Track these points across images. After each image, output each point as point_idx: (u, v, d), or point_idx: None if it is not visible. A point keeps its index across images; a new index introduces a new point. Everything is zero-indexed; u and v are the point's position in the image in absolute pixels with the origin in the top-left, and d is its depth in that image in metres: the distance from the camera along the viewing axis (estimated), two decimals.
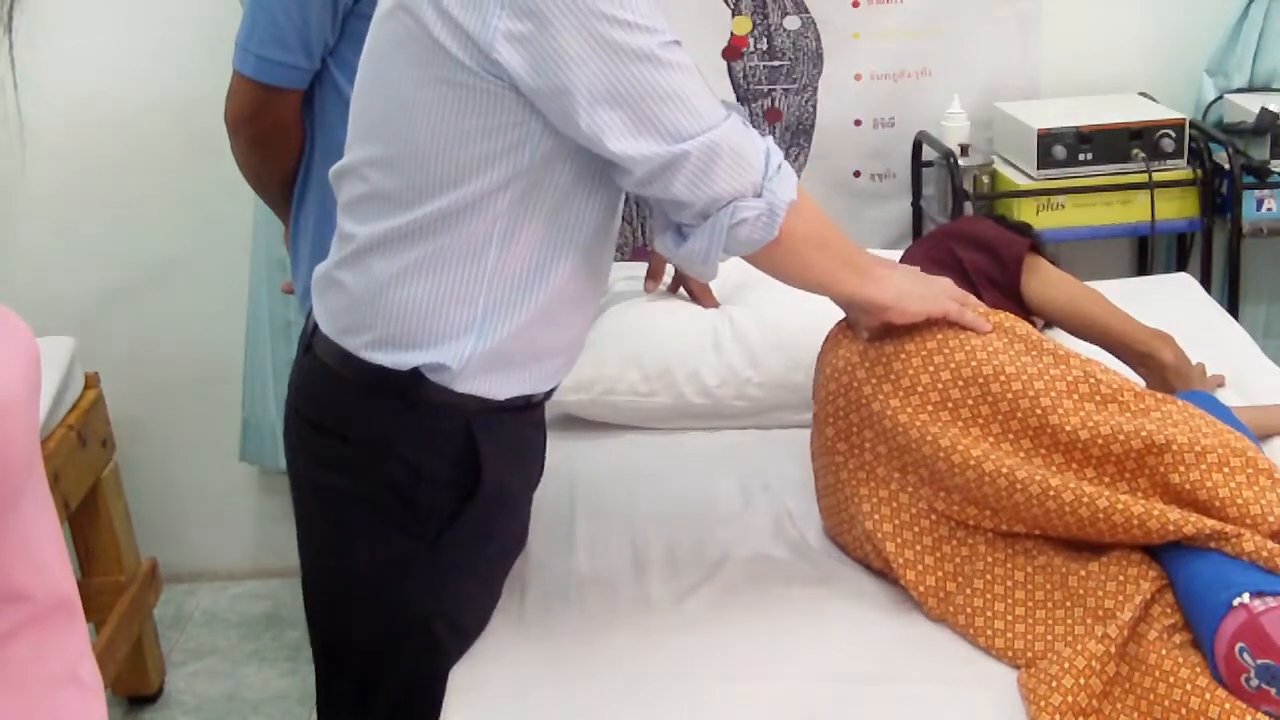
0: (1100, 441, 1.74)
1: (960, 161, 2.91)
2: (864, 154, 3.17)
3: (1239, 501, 1.68)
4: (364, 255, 1.67)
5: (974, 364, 1.83)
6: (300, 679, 3.00)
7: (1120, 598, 1.68)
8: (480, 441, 1.71)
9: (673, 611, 1.87)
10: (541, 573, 1.96)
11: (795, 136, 3.15)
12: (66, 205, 3.16)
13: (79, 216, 3.16)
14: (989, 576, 1.78)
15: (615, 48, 1.52)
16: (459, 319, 1.65)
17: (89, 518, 2.79)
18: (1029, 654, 1.70)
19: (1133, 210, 2.88)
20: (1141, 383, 2.08)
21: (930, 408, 1.83)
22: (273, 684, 3.03)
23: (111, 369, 2.93)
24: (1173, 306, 2.53)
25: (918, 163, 3.12)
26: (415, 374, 1.67)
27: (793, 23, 3.08)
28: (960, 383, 1.83)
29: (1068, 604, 1.72)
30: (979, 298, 1.99)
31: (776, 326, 2.38)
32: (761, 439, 2.36)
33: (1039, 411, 1.78)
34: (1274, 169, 2.87)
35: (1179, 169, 2.88)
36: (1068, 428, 1.76)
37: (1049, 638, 1.71)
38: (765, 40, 3.09)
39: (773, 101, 3.12)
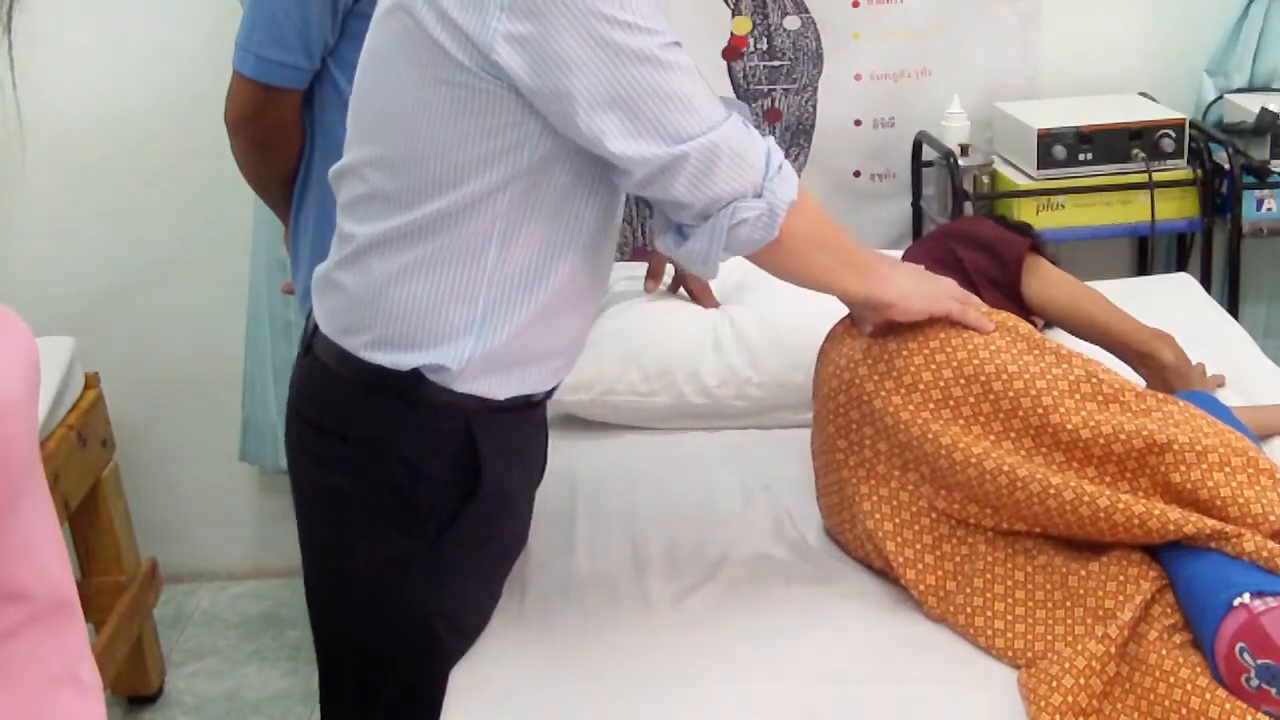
0: (1101, 441, 1.74)
1: (960, 161, 2.91)
2: (864, 154, 3.17)
3: (1240, 501, 1.68)
4: (363, 255, 1.67)
5: (976, 362, 1.83)
6: (300, 679, 3.00)
7: (1120, 598, 1.68)
8: (480, 441, 1.71)
9: (673, 611, 1.87)
10: (541, 572, 1.96)
11: (795, 136, 3.15)
12: (66, 205, 3.16)
13: (79, 216, 3.16)
14: (989, 576, 1.78)
15: (616, 49, 1.52)
16: (458, 319, 1.65)
17: (89, 518, 2.79)
18: (1029, 654, 1.70)
19: (1133, 210, 2.89)
20: (1142, 383, 2.08)
21: (931, 405, 1.83)
22: (273, 684, 3.03)
23: (111, 369, 2.93)
24: (1173, 306, 2.53)
25: (918, 163, 3.12)
26: (415, 374, 1.67)
27: (793, 23, 3.08)
28: (962, 381, 1.83)
29: (1068, 604, 1.72)
30: (979, 298, 1.99)
31: (776, 326, 2.38)
32: (761, 439, 2.36)
33: (1040, 410, 1.78)
34: (1274, 169, 2.87)
35: (1179, 169, 2.88)
36: (1069, 427, 1.76)
37: (1049, 637, 1.71)
38: (765, 40, 3.09)
39: (773, 101, 3.12)
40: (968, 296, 1.93)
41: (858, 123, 3.15)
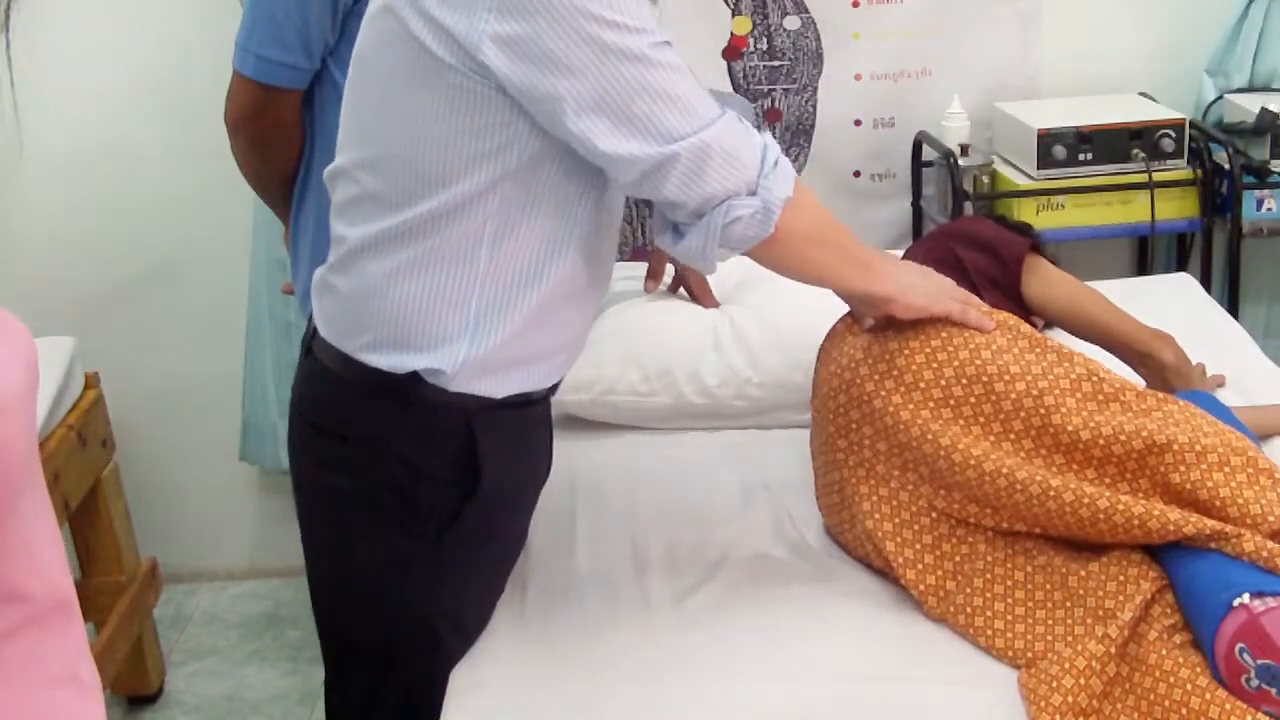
0: (1101, 442, 1.74)
1: (960, 161, 2.91)
2: (864, 154, 3.17)
3: (1239, 501, 1.68)
4: (356, 258, 1.67)
5: (978, 362, 1.83)
6: (300, 679, 3.00)
7: (1120, 598, 1.68)
8: (480, 441, 1.71)
9: (673, 611, 1.87)
10: (542, 572, 1.96)
11: (795, 136, 3.15)
12: (66, 205, 3.16)
13: (79, 216, 3.16)
14: (989, 576, 1.78)
15: (604, 49, 1.52)
16: (453, 321, 1.65)
17: (89, 518, 2.79)
18: (1029, 654, 1.70)
19: (1133, 210, 2.88)
20: (1142, 383, 2.08)
21: (931, 405, 1.83)
22: (273, 684, 3.03)
23: (111, 369, 2.93)
24: (1173, 306, 2.53)
25: (918, 163, 3.12)
26: (413, 376, 1.66)
27: (793, 23, 3.08)
28: (964, 380, 1.83)
29: (1068, 604, 1.72)
30: (979, 298, 1.99)
31: (776, 326, 2.38)
32: (761, 439, 2.36)
33: (1042, 411, 1.78)
34: (1274, 169, 2.87)
35: (1179, 169, 2.88)
36: (1069, 428, 1.76)
37: (1049, 638, 1.70)
38: (765, 40, 3.08)
39: (773, 101, 3.12)
40: (968, 296, 1.92)
41: (858, 123, 3.15)
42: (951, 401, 1.83)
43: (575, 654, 1.79)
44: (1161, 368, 2.09)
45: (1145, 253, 3.14)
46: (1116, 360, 2.11)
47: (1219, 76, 3.09)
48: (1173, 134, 2.85)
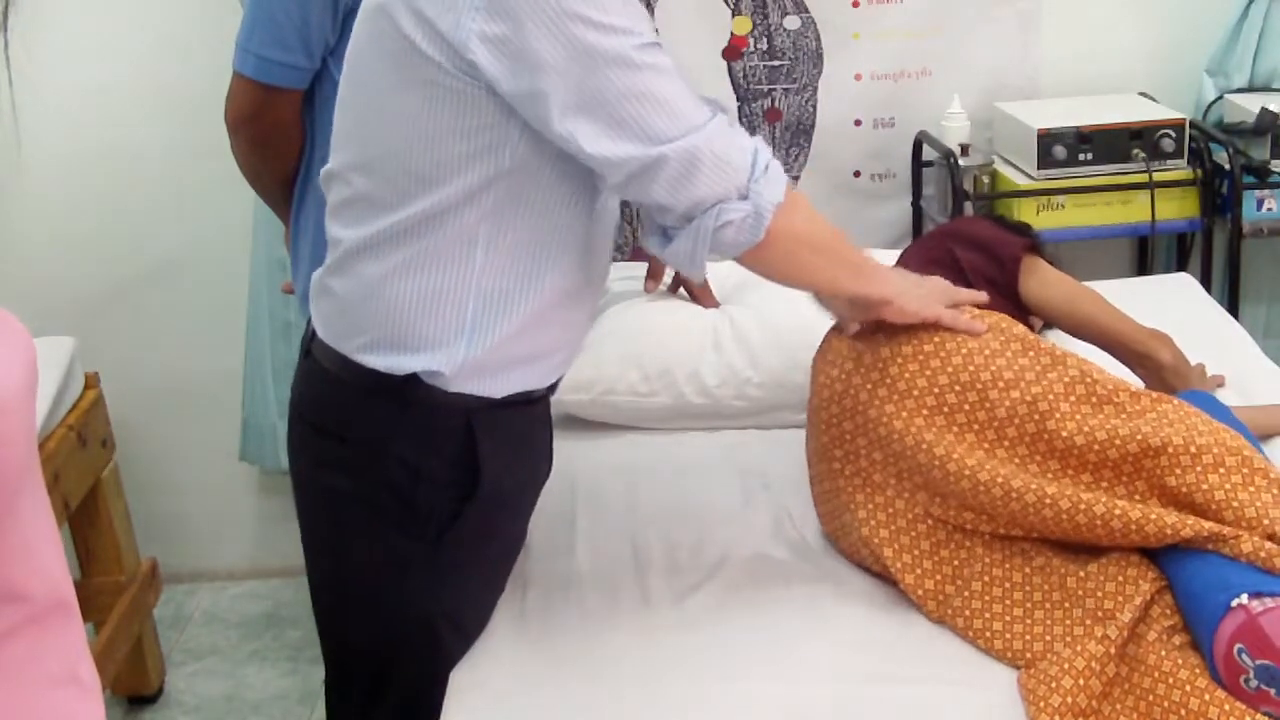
0: (1096, 447, 1.74)
1: (960, 161, 2.91)
2: (864, 154, 3.17)
3: (1235, 504, 1.67)
4: (351, 259, 1.67)
5: (972, 369, 1.83)
6: (300, 679, 3.00)
7: (1119, 599, 1.68)
8: (480, 440, 1.71)
9: (673, 611, 1.87)
10: (542, 572, 1.96)
11: (795, 136, 3.15)
12: (66, 205, 3.16)
13: (79, 216, 3.16)
14: (987, 578, 1.78)
15: (589, 50, 1.51)
16: (449, 322, 1.64)
17: (89, 518, 2.79)
18: (1028, 655, 1.70)
19: (1133, 210, 2.88)
20: (1140, 383, 2.08)
21: (925, 412, 1.83)
22: (273, 684, 3.03)
23: (111, 369, 2.93)
24: (1173, 306, 2.53)
25: (918, 163, 3.12)
26: (411, 377, 1.66)
27: (793, 23, 3.08)
28: (957, 388, 1.82)
29: (1066, 605, 1.72)
30: None
31: (776, 326, 2.38)
32: (761, 439, 2.36)
33: (1036, 417, 1.77)
34: (1274, 169, 2.87)
35: (1179, 169, 2.88)
36: (1064, 434, 1.75)
37: (1048, 639, 1.70)
38: (765, 40, 3.08)
39: (773, 101, 3.12)
40: (957, 293, 1.92)
41: (858, 123, 3.15)
42: (945, 409, 1.82)
43: (575, 654, 1.79)
44: (1159, 367, 2.09)
45: (1145, 253, 3.14)
46: (1114, 360, 2.10)
47: (1219, 76, 3.09)
48: (1173, 134, 2.85)
